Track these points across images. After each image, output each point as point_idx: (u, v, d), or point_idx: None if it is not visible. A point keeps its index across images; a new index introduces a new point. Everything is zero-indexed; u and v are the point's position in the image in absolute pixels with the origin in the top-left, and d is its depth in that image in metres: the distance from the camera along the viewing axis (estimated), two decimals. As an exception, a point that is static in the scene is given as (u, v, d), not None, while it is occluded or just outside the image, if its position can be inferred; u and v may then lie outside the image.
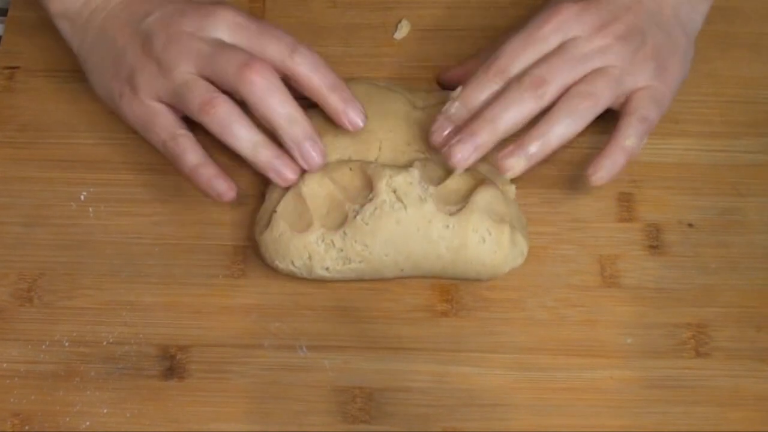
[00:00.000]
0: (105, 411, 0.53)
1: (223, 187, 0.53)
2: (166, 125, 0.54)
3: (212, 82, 0.52)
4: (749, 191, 0.58)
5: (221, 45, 0.53)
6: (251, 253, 0.56)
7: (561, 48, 0.53)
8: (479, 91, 0.53)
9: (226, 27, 0.53)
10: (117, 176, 0.59)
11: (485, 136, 0.52)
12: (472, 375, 0.53)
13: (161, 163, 0.58)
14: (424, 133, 0.55)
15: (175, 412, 0.53)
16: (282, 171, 0.53)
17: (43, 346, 0.54)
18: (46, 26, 0.60)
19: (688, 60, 0.57)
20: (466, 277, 0.54)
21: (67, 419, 0.52)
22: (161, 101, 0.54)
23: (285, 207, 0.53)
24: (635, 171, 0.59)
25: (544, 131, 0.52)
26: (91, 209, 0.58)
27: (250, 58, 0.51)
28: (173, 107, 0.54)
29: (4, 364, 0.54)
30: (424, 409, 0.53)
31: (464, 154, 0.52)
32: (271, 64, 0.52)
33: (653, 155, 0.59)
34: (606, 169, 0.53)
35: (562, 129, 0.52)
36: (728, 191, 0.58)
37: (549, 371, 0.54)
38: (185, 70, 0.52)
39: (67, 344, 0.54)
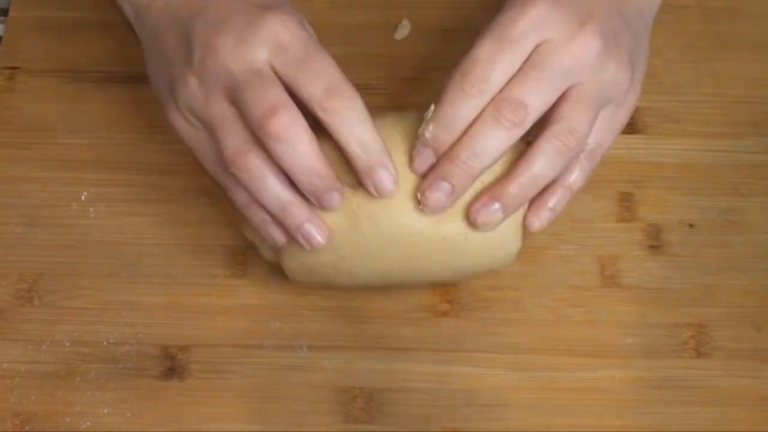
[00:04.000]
0: (105, 411, 0.53)
1: (277, 234, 0.49)
2: (210, 155, 0.49)
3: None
4: (750, 191, 0.58)
5: (253, 75, 0.46)
6: (251, 253, 0.56)
7: (537, 58, 0.47)
8: (457, 108, 0.46)
9: (266, 47, 0.46)
10: (117, 176, 0.58)
11: (460, 181, 0.47)
12: (472, 375, 0.53)
13: (162, 164, 0.58)
14: None
15: (176, 412, 0.53)
16: (310, 235, 0.48)
17: (44, 346, 0.54)
18: (46, 26, 0.60)
19: (647, 56, 0.52)
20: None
21: (68, 419, 0.52)
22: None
23: None
24: (635, 171, 0.58)
25: (533, 177, 0.48)
26: (91, 209, 0.58)
27: (277, 105, 0.45)
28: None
29: (5, 364, 0.54)
30: (425, 409, 0.53)
31: (438, 203, 0.47)
32: (302, 107, 0.46)
33: (653, 155, 0.59)
34: (547, 216, 0.50)
35: (549, 172, 0.48)
36: (729, 191, 0.58)
37: (549, 371, 0.53)
38: (220, 101, 0.47)
39: (67, 344, 0.54)
